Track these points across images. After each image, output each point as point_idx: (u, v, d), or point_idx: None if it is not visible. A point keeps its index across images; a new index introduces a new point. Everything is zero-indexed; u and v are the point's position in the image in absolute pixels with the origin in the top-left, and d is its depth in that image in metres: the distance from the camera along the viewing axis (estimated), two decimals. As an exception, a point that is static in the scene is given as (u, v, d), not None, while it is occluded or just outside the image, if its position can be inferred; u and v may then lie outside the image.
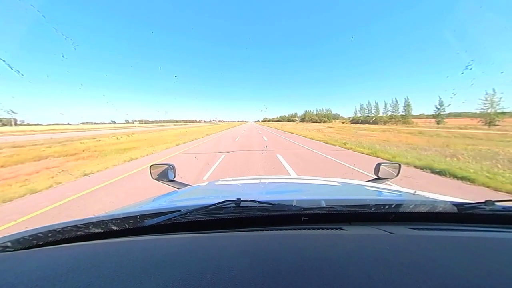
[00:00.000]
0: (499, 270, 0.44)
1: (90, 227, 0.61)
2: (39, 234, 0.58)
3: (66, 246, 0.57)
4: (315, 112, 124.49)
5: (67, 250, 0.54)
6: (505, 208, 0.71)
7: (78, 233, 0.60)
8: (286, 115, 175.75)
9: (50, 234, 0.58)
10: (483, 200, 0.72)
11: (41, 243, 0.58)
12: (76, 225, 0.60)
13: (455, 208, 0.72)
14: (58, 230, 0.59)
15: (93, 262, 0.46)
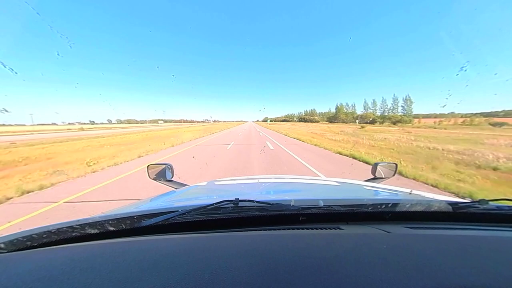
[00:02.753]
0: (493, 268, 0.45)
1: (86, 228, 0.61)
2: (33, 235, 0.57)
3: (62, 247, 0.57)
4: (359, 109, 71.77)
5: (63, 251, 0.53)
6: (498, 207, 0.72)
7: (74, 234, 0.60)
8: (296, 114, 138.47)
9: (44, 235, 0.58)
10: (477, 199, 0.73)
11: (35, 244, 0.57)
12: (71, 226, 0.59)
13: (450, 207, 0.73)
14: (53, 231, 0.58)
15: (89, 263, 0.45)
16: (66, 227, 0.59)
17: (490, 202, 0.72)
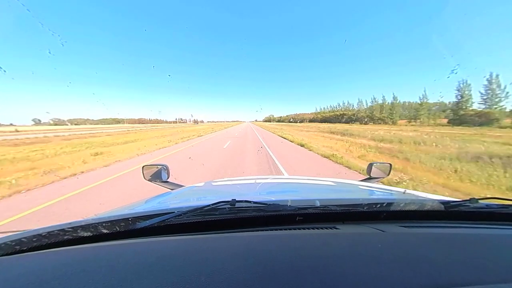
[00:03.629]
0: (483, 265, 0.46)
1: (79, 231, 0.59)
2: (22, 239, 0.55)
3: (53, 251, 0.55)
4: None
5: (54, 255, 0.52)
6: (488, 206, 0.74)
7: (66, 237, 0.58)
8: (321, 110, 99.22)
9: (34, 239, 0.56)
10: (468, 198, 0.75)
11: (24, 248, 0.55)
12: (63, 229, 0.58)
13: (442, 206, 0.74)
14: (44, 234, 0.56)
15: (82, 267, 0.44)
16: (58, 230, 0.58)
17: (480, 201, 0.74)
